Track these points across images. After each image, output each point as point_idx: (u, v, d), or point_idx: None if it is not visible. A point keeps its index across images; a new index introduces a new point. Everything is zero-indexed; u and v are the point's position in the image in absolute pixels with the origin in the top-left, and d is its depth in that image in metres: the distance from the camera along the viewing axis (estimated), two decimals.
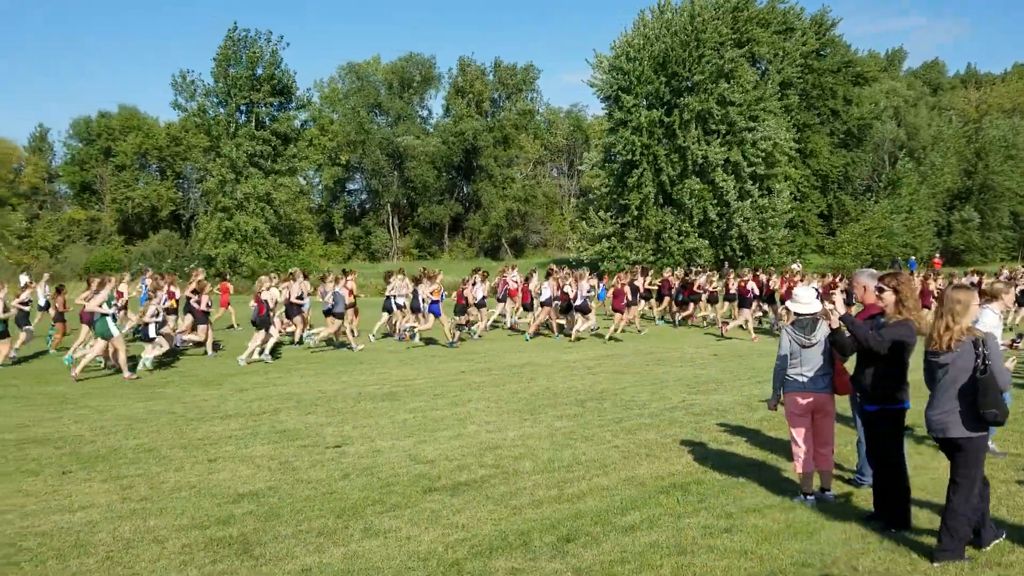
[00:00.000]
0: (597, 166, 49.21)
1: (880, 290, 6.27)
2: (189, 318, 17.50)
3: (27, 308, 17.51)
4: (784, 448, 8.71)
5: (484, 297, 21.12)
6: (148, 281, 19.49)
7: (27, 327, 17.17)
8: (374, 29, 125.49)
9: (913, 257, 49.18)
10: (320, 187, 70.05)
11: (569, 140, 74.69)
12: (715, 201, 45.42)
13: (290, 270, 23.73)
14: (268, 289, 16.74)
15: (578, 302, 19.50)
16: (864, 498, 6.80)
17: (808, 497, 6.81)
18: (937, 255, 51.08)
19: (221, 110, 52.65)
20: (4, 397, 11.93)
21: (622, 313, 19.86)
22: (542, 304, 20.41)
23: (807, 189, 53.41)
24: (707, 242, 45.91)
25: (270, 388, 12.80)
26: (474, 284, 20.56)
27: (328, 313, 17.55)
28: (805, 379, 6.73)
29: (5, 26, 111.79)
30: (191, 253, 54.31)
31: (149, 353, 14.88)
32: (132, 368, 14.08)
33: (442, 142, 65.75)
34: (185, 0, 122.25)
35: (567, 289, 19.88)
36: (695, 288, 23.10)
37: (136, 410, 10.99)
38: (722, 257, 45.50)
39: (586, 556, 5.68)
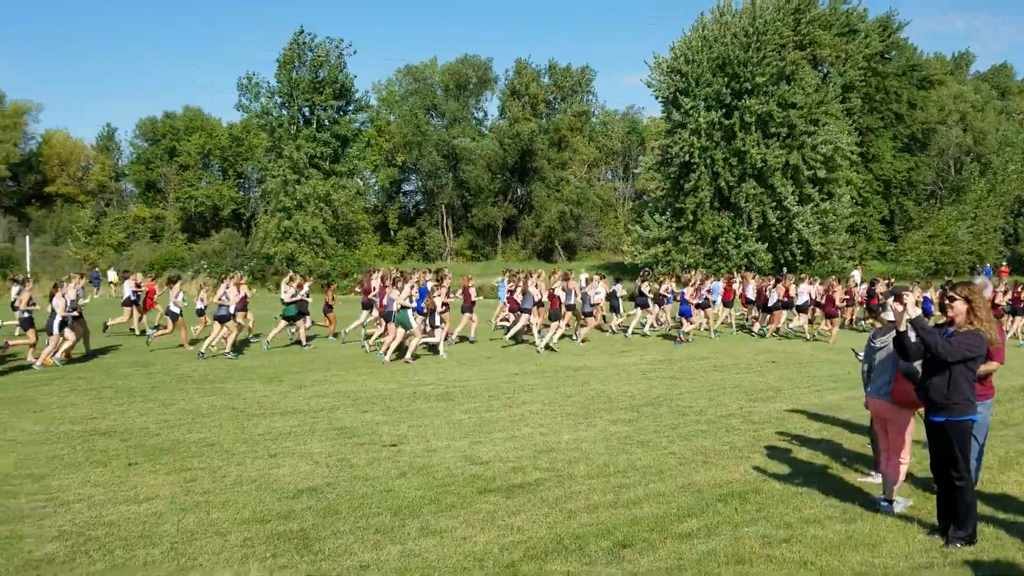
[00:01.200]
0: (653, 169, 48.90)
1: (951, 299, 6.12)
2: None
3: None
4: (846, 457, 8.57)
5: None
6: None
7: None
8: (432, 32, 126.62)
9: (989, 265, 47.81)
10: (376, 188, 70.83)
11: (625, 142, 74.30)
12: (774, 205, 44.80)
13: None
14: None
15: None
16: (929, 511, 6.64)
17: (885, 503, 6.76)
18: (1004, 263, 49.56)
19: (284, 112, 53.60)
20: (75, 390, 12.32)
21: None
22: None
23: (869, 194, 52.33)
24: (765, 246, 45.27)
25: (328, 386, 12.99)
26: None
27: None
28: (871, 385, 6.83)
29: (77, 28, 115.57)
30: (251, 252, 55.38)
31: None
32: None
33: (497, 144, 65.97)
34: (251, 2, 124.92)
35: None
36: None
37: (199, 404, 11.26)
38: (781, 262, 44.83)
39: (642, 562, 5.66)
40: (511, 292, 20.34)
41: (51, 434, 9.27)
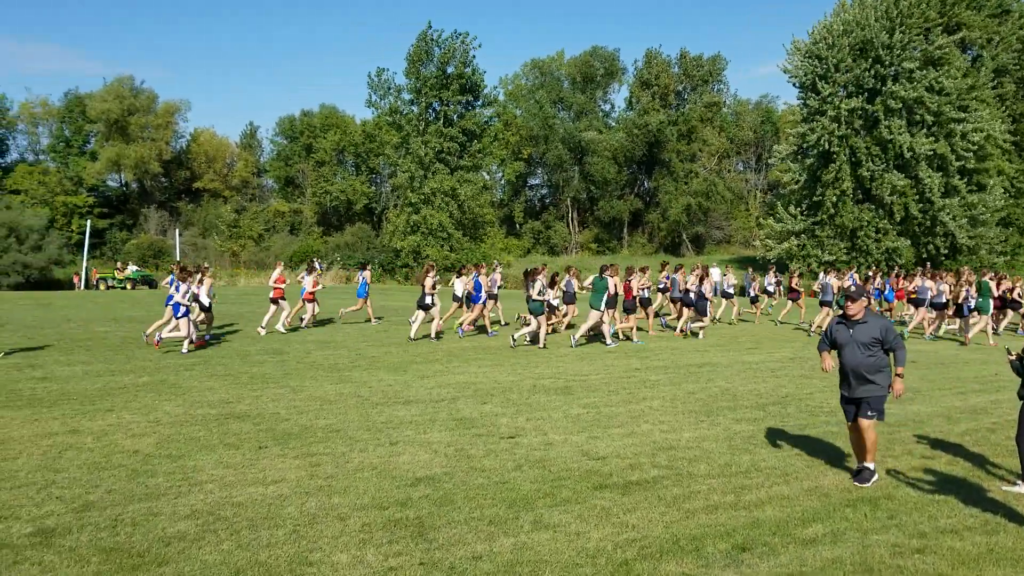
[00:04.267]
0: (788, 159, 47.17)
1: None
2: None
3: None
4: (989, 465, 7.98)
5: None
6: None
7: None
8: (559, 24, 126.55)
9: None
10: (502, 182, 71.50)
11: (757, 132, 72.11)
12: (917, 197, 42.42)
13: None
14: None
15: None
16: None
17: None
18: None
19: (413, 108, 54.82)
20: (214, 375, 12.97)
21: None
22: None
23: (1023, 185, 48.76)
24: (908, 241, 42.94)
25: (449, 376, 13.17)
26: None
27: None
28: None
29: (223, 31, 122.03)
30: (381, 245, 57.04)
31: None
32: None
33: (625, 136, 65.30)
34: (381, 1, 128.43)
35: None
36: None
37: (327, 392, 11.64)
38: (924, 256, 42.44)
39: (762, 567, 5.44)
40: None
41: (190, 416, 9.79)
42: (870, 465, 7.44)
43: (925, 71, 41.89)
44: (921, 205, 42.47)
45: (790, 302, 24.49)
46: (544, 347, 16.91)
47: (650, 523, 6.24)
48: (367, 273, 22.69)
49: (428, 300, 17.95)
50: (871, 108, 42.54)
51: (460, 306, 19.89)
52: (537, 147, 67.98)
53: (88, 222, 55.95)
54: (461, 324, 18.77)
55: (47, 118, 68.83)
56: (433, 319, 18.24)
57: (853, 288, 7.58)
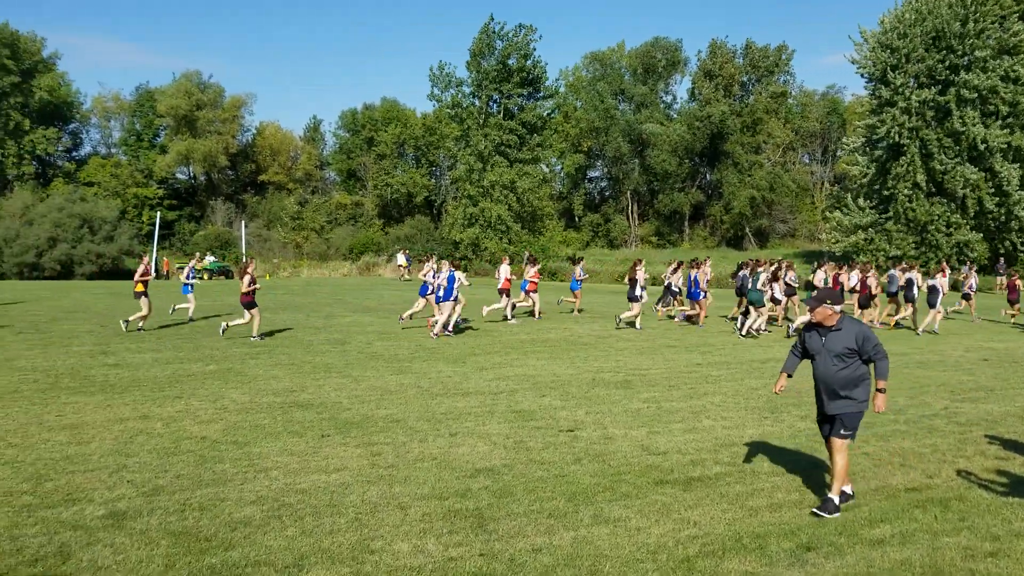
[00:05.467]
0: (857, 151, 46.01)
1: None
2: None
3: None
4: None
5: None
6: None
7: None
8: (620, 15, 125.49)
9: None
10: (562, 174, 71.26)
11: (824, 124, 70.48)
12: (992, 190, 41.01)
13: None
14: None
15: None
16: None
17: None
18: None
19: (475, 102, 54.94)
20: (278, 364, 13.22)
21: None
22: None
23: None
24: (981, 236, 41.56)
25: (508, 369, 13.20)
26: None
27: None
28: None
29: (288, 26, 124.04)
30: (440, 237, 57.39)
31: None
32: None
33: (686, 128, 64.46)
34: None
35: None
36: None
37: (388, 382, 11.76)
38: (1000, 252, 41.04)
39: (827, 567, 5.32)
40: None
41: (255, 404, 9.99)
42: (835, 497, 6.38)
43: (999, 60, 40.42)
44: (997, 199, 41.07)
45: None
46: (750, 336, 18.16)
47: (712, 520, 6.15)
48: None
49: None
50: (943, 99, 41.24)
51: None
52: (597, 139, 67.53)
53: (158, 214, 57.53)
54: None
55: (119, 112, 70.90)
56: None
57: (824, 293, 6.63)
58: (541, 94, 56.97)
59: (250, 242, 59.06)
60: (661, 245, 65.87)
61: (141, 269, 18.04)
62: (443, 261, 17.88)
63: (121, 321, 17.60)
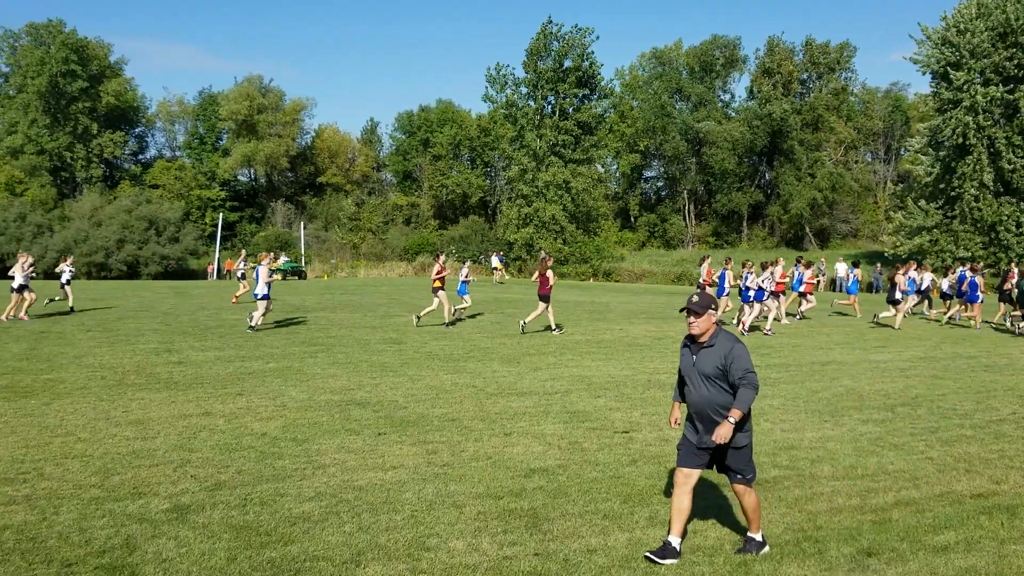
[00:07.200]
0: (921, 152, 44.82)
1: None
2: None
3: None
4: None
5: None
6: None
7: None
8: (678, 13, 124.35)
9: None
10: (617, 174, 70.92)
11: (887, 122, 68.85)
12: None
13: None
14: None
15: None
16: None
17: None
18: None
19: (530, 103, 54.99)
20: (336, 363, 13.41)
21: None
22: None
23: None
24: None
25: (562, 369, 13.18)
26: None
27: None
28: None
29: (346, 29, 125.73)
30: (495, 238, 57.57)
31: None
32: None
33: (745, 126, 63.58)
34: None
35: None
36: None
37: (443, 381, 11.84)
38: None
39: (889, 573, 5.21)
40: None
41: (313, 402, 10.15)
42: (756, 536, 5.59)
43: None
44: None
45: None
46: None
47: (770, 523, 6.06)
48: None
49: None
50: (1012, 98, 39.93)
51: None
52: (654, 139, 67.03)
53: (220, 215, 58.85)
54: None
55: (183, 116, 72.81)
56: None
57: (696, 298, 5.48)
58: (597, 94, 56.79)
59: (309, 243, 60.03)
60: (719, 245, 65.08)
61: (437, 267, 19.00)
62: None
63: (413, 317, 19.00)
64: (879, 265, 41.13)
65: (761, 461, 7.75)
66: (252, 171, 71.54)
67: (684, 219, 68.94)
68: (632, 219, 69.66)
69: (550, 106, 54.99)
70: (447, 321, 18.93)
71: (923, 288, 23.64)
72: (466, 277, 21.05)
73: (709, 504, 6.49)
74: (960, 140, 41.06)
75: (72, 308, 20.46)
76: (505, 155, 61.72)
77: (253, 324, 17.19)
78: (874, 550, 5.57)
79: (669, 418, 6.06)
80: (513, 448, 8.11)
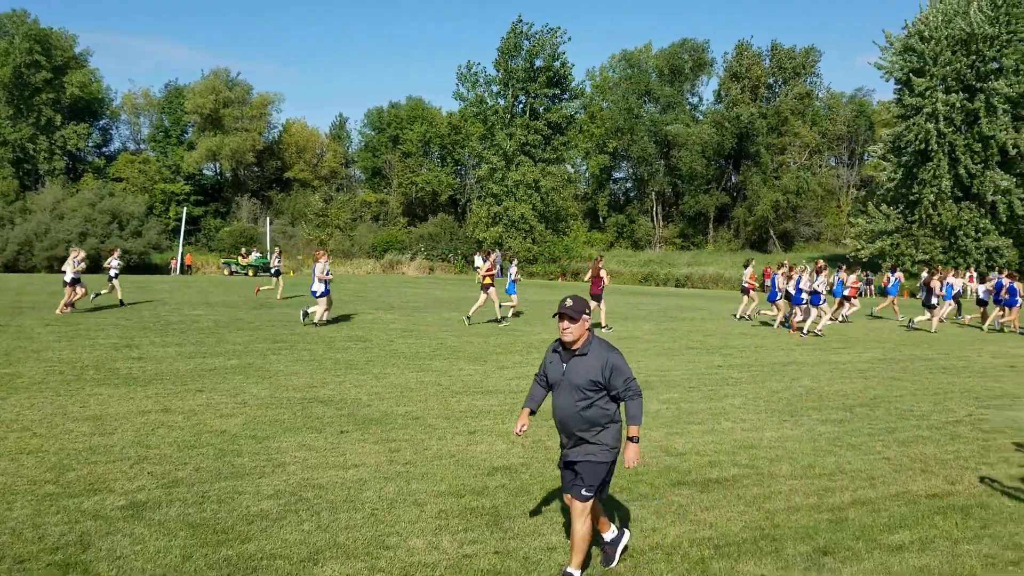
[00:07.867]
0: (883, 157, 45.53)
1: None
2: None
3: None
4: None
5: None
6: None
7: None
8: (649, 15, 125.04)
9: None
10: (586, 175, 71.19)
11: (851, 127, 69.85)
12: None
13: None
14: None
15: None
16: None
17: None
18: None
19: (501, 101, 55.02)
20: (299, 360, 13.30)
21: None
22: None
23: None
24: (1011, 241, 41.01)
25: (529, 368, 13.18)
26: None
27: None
28: None
29: (315, 24, 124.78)
30: (464, 236, 57.48)
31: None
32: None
33: (712, 129, 64.16)
34: None
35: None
36: None
37: (409, 379, 11.80)
38: None
39: (844, 571, 5.28)
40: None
41: (275, 399, 10.06)
42: (575, 572, 4.98)
43: None
44: None
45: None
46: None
47: (728, 522, 6.12)
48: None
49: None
50: (971, 106, 40.71)
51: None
52: (622, 140, 67.38)
53: (185, 209, 58.07)
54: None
55: (148, 109, 71.71)
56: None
57: (570, 302, 5.07)
58: (567, 94, 56.96)
59: (275, 238, 59.49)
60: (685, 247, 65.60)
61: (487, 264, 19.14)
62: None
63: (464, 318, 19.13)
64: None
65: (721, 460, 7.83)
66: (218, 165, 70.66)
67: (652, 220, 69.39)
68: (601, 219, 69.93)
69: (521, 105, 55.06)
70: (498, 316, 19.61)
71: (955, 294, 24.35)
72: (515, 276, 21.11)
73: (669, 505, 6.54)
74: (922, 146, 41.79)
75: (121, 302, 20.73)
76: (475, 153, 61.70)
77: (315, 321, 17.42)
78: (830, 549, 5.65)
79: (516, 427, 5.42)
80: (477, 446, 8.11)
